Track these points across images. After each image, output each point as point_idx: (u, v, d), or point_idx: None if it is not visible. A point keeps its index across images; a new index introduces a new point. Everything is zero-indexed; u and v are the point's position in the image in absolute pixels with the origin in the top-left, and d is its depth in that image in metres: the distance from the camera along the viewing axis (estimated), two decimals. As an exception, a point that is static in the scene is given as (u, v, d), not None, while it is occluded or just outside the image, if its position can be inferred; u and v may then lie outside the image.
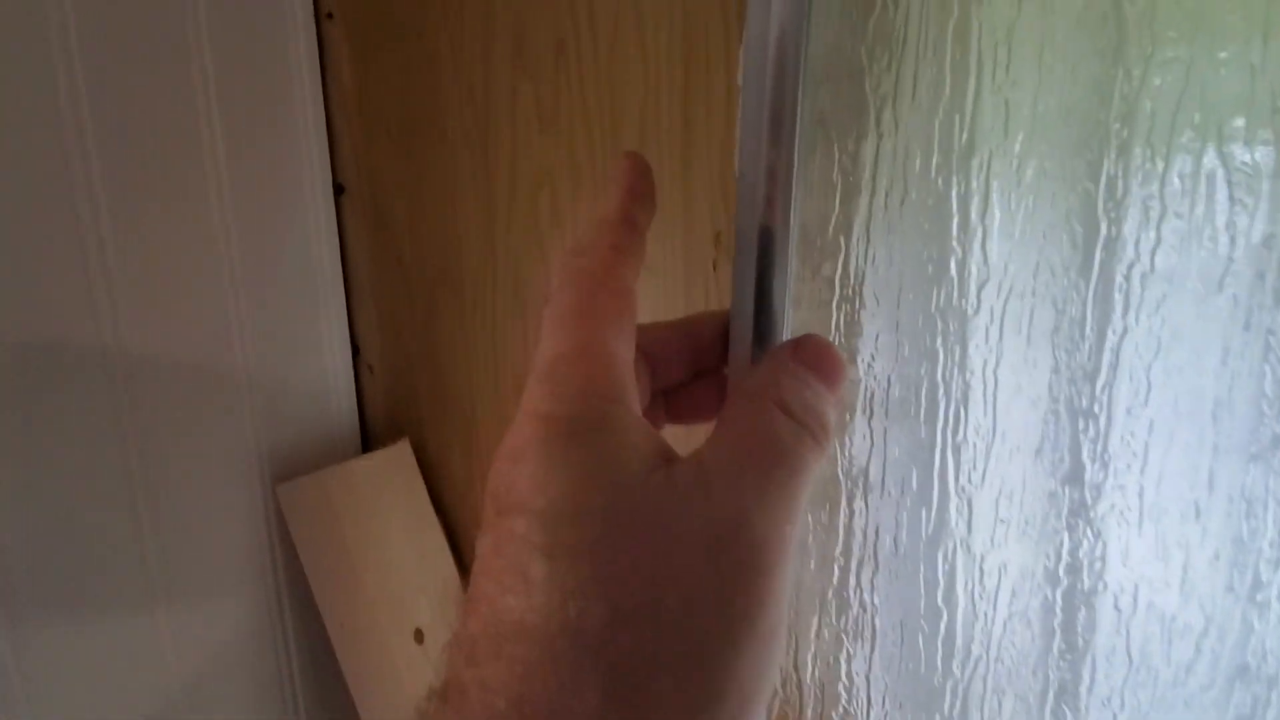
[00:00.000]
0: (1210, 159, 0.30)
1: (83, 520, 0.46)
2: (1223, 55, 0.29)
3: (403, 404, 0.61)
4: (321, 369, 0.59)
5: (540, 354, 0.20)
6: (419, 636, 0.54)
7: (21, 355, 0.42)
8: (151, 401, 0.48)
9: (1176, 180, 0.30)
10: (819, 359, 0.21)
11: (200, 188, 0.50)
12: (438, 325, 0.59)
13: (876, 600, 0.35)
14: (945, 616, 0.34)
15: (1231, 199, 0.30)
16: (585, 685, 0.16)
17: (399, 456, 0.58)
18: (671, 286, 0.49)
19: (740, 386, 0.22)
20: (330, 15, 0.56)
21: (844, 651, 0.37)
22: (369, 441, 0.62)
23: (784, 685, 0.41)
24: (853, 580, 0.36)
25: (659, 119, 0.46)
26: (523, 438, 0.19)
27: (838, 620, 0.37)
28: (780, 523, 0.18)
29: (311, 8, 0.56)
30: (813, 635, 0.38)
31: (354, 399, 0.61)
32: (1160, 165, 0.30)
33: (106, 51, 0.45)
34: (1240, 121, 0.29)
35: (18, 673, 0.43)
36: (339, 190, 0.59)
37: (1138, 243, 0.30)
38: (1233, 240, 0.29)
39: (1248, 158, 0.30)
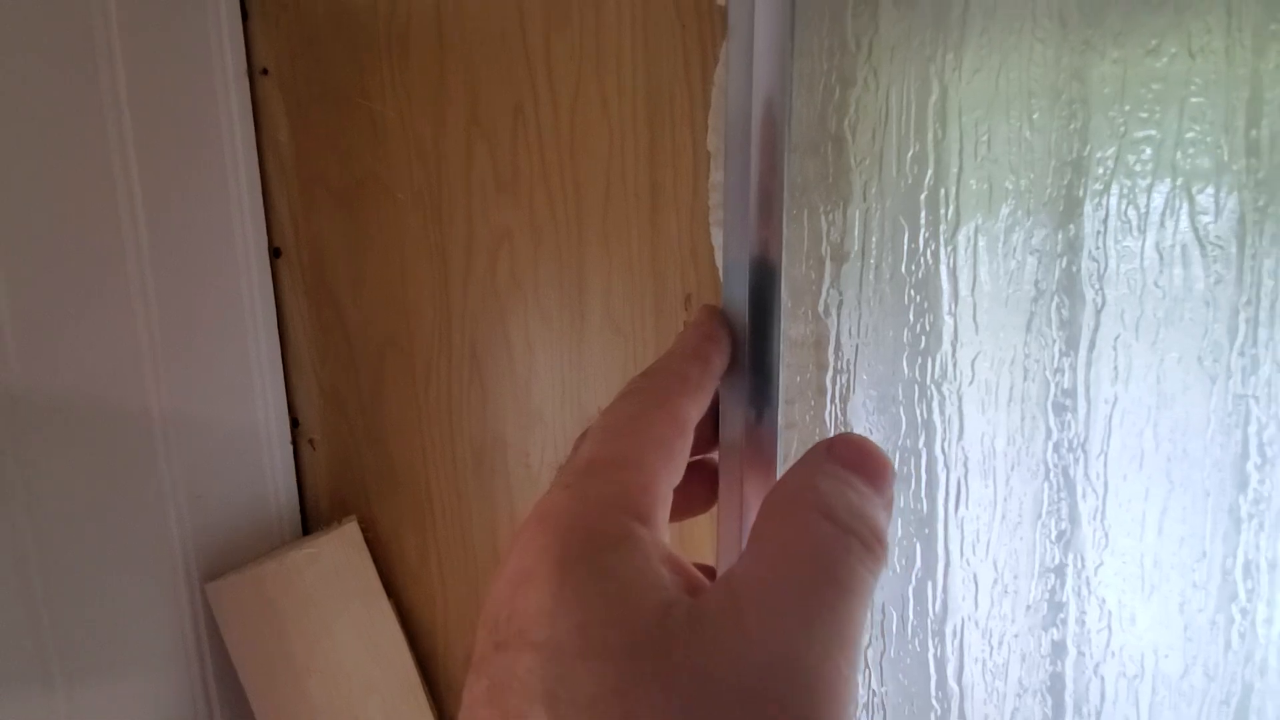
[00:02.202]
0: (1184, 230, 0.31)
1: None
2: (1190, 135, 0.30)
3: (348, 481, 0.57)
4: (256, 445, 0.54)
5: (574, 458, 0.18)
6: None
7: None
8: (54, 483, 0.43)
9: (1154, 252, 0.31)
10: (861, 457, 0.19)
11: (117, 250, 0.46)
12: (386, 395, 0.55)
13: (884, 685, 0.34)
14: (957, 696, 0.33)
15: (1205, 268, 0.31)
16: None
17: (345, 538, 0.54)
18: (640, 349, 0.48)
19: (773, 495, 0.20)
20: (265, 71, 0.53)
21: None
22: (311, 522, 0.57)
23: None
24: (861, 665, 0.35)
25: (625, 181, 0.46)
26: (532, 556, 0.16)
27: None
28: (834, 655, 0.15)
29: (245, 63, 0.52)
30: None
31: (293, 477, 0.56)
32: (1139, 239, 0.31)
33: (9, 106, 0.40)
34: (1209, 191, 0.31)
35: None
36: (275, 254, 0.55)
37: (1121, 313, 0.31)
38: (1210, 308, 0.30)
39: (1219, 230, 0.31)
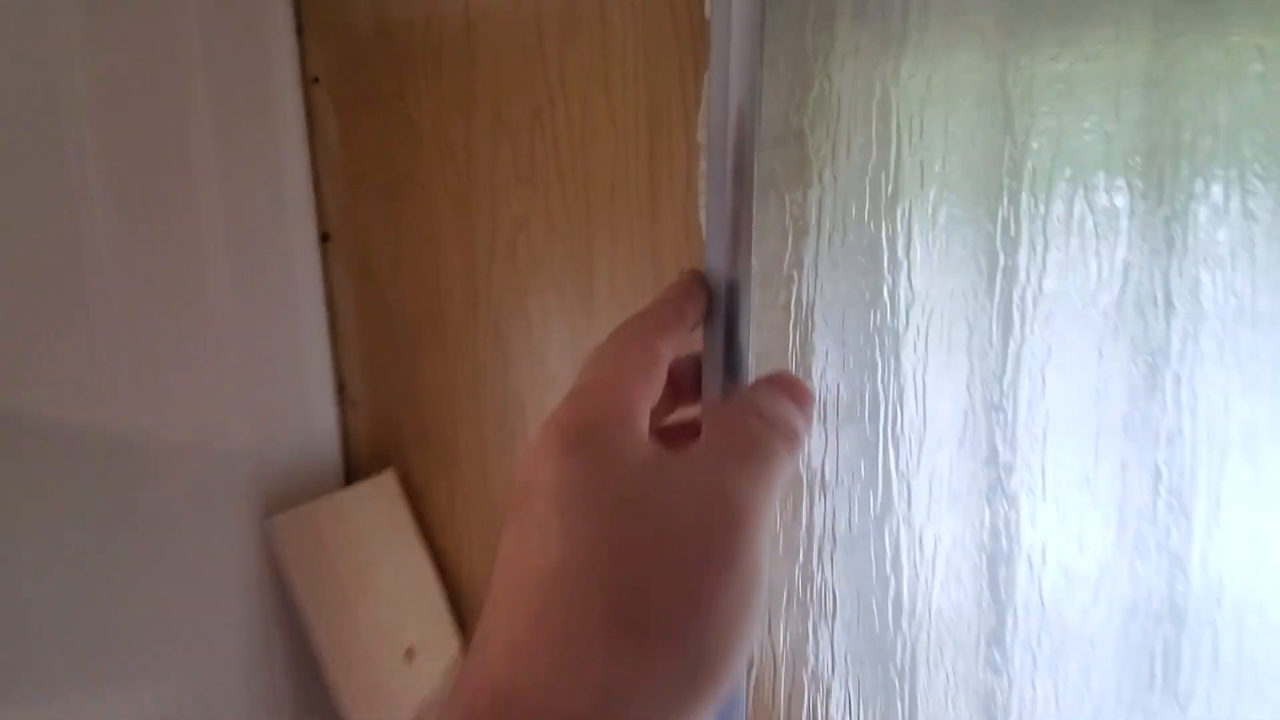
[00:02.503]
0: (1080, 205, 0.39)
1: (78, 560, 0.47)
2: (1085, 125, 0.37)
3: (386, 437, 0.65)
4: (307, 405, 0.62)
5: (574, 383, 0.25)
6: (409, 655, 0.56)
7: (13, 392, 0.44)
8: (140, 444, 0.50)
9: (1056, 221, 0.38)
10: (790, 385, 0.26)
11: (197, 238, 0.54)
12: (420, 362, 0.63)
13: (836, 574, 0.41)
14: (893, 583, 0.40)
15: (1096, 234, 0.39)
16: (592, 608, 0.19)
17: (385, 486, 0.62)
18: (641, 320, 0.56)
19: (725, 402, 0.27)
20: (317, 79, 0.61)
21: (810, 620, 0.43)
22: (353, 474, 0.65)
23: (760, 654, 0.46)
24: (815, 558, 0.42)
25: (628, 177, 0.53)
26: (544, 446, 0.22)
27: (804, 594, 0.43)
28: (756, 493, 0.21)
29: (299, 73, 0.60)
30: (783, 609, 0.44)
31: (338, 433, 0.64)
32: (1042, 209, 0.38)
33: (115, 114, 0.49)
34: (1100, 174, 0.38)
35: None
36: (324, 239, 0.63)
37: (1028, 270, 0.38)
38: (1099, 266, 0.38)
39: (1107, 202, 0.39)
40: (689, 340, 0.30)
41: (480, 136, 0.57)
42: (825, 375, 0.42)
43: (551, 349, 0.58)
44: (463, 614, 0.63)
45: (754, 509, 0.21)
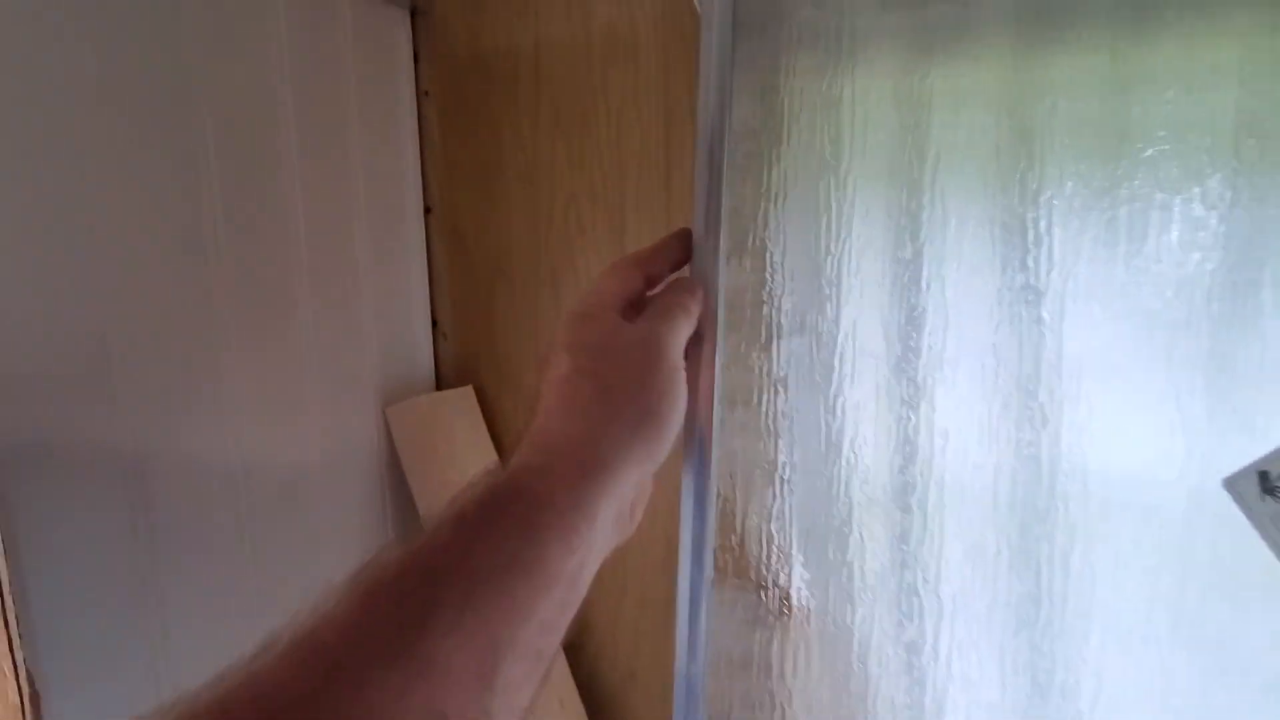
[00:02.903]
0: (973, 180, 0.55)
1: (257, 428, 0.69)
2: (961, 122, 0.54)
3: (467, 361, 0.85)
4: (412, 333, 0.83)
5: (585, 290, 0.43)
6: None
7: (193, 319, 0.65)
8: (311, 350, 0.72)
9: (943, 190, 0.55)
10: (688, 285, 0.43)
11: (348, 205, 0.75)
12: (494, 306, 0.83)
13: (794, 459, 0.59)
14: (838, 463, 0.58)
15: (968, 201, 0.55)
16: (584, 389, 0.35)
17: (465, 397, 0.82)
18: (658, 271, 0.74)
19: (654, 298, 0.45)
20: (427, 93, 0.82)
21: (771, 494, 0.60)
22: (442, 386, 0.86)
23: (728, 534, 0.63)
24: (778, 456, 0.60)
25: (650, 164, 0.72)
26: (560, 325, 0.40)
27: (767, 477, 0.60)
28: (668, 334, 0.38)
29: (414, 88, 0.82)
30: (752, 493, 0.61)
31: (432, 356, 0.85)
32: (929, 185, 0.55)
33: (307, 118, 0.70)
34: (971, 161, 0.54)
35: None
36: (427, 210, 0.84)
37: (912, 222, 0.55)
38: (978, 226, 0.54)
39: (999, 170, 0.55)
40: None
41: (543, 134, 0.77)
42: (784, 303, 0.59)
43: (592, 294, 0.77)
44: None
45: (667, 340, 0.38)
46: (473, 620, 0.28)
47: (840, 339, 0.59)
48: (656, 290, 0.43)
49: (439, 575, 0.29)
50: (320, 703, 0.24)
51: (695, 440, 0.48)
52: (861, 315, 0.59)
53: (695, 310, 0.43)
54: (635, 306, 0.41)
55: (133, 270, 0.56)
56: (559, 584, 0.31)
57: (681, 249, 0.48)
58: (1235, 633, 0.53)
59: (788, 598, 0.63)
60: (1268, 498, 0.44)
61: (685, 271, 0.47)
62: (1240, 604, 0.51)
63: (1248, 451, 0.48)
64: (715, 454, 0.50)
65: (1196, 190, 0.50)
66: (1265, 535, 0.45)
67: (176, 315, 0.60)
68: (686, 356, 0.43)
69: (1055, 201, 0.54)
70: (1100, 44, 0.52)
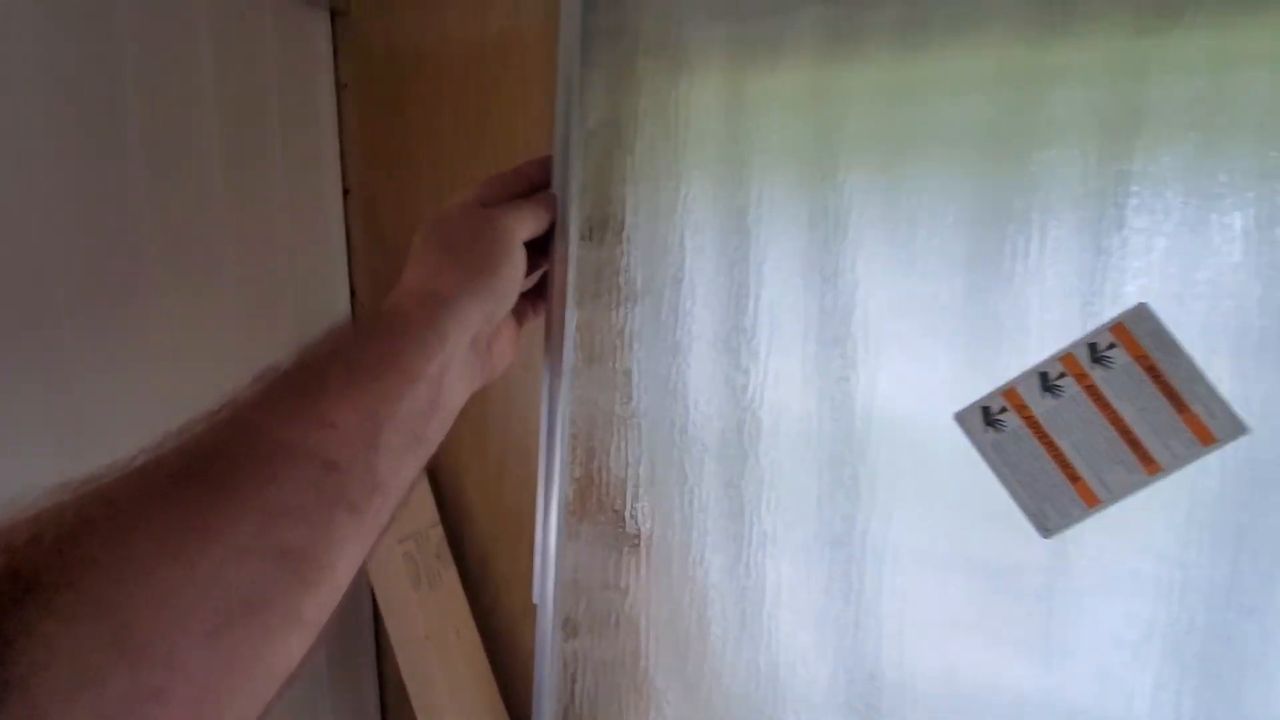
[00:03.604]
0: (773, 181, 0.65)
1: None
2: (780, 126, 0.64)
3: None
4: (331, 303, 0.92)
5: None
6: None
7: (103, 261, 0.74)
8: (232, 311, 0.81)
9: (772, 184, 0.65)
10: (550, 201, 0.56)
11: (269, 188, 0.84)
12: (407, 278, 0.92)
13: (642, 407, 0.69)
14: (677, 410, 0.68)
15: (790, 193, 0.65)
16: (431, 250, 0.46)
17: (379, 360, 0.91)
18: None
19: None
20: (345, 86, 0.91)
21: (623, 438, 0.70)
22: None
23: (590, 472, 0.73)
24: (629, 405, 0.70)
25: (534, 149, 0.81)
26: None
27: (621, 423, 0.70)
28: (513, 220, 0.49)
29: (333, 81, 0.91)
30: (610, 438, 0.71)
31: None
32: (758, 178, 0.65)
33: (231, 109, 0.79)
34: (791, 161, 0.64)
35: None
36: (346, 193, 0.93)
37: (743, 210, 0.65)
38: (799, 210, 0.64)
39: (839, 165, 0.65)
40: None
41: (447, 125, 0.86)
42: (633, 273, 0.69)
43: (491, 269, 0.87)
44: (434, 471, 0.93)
45: (507, 222, 0.49)
46: (355, 394, 0.37)
47: (681, 304, 0.69)
48: None
49: (325, 364, 0.38)
50: (234, 449, 0.31)
51: (554, 343, 0.59)
52: (699, 285, 0.69)
53: (543, 214, 0.53)
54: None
55: (57, 244, 0.65)
56: (422, 380, 0.40)
57: (540, 172, 0.59)
58: (997, 553, 0.63)
59: (640, 530, 0.74)
60: (989, 429, 0.55)
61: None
62: (997, 528, 0.62)
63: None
64: (569, 362, 0.60)
65: (955, 191, 0.61)
66: (988, 460, 0.55)
67: (100, 284, 0.69)
68: (542, 264, 0.55)
69: (854, 192, 0.64)
70: (882, 59, 0.62)
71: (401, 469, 0.38)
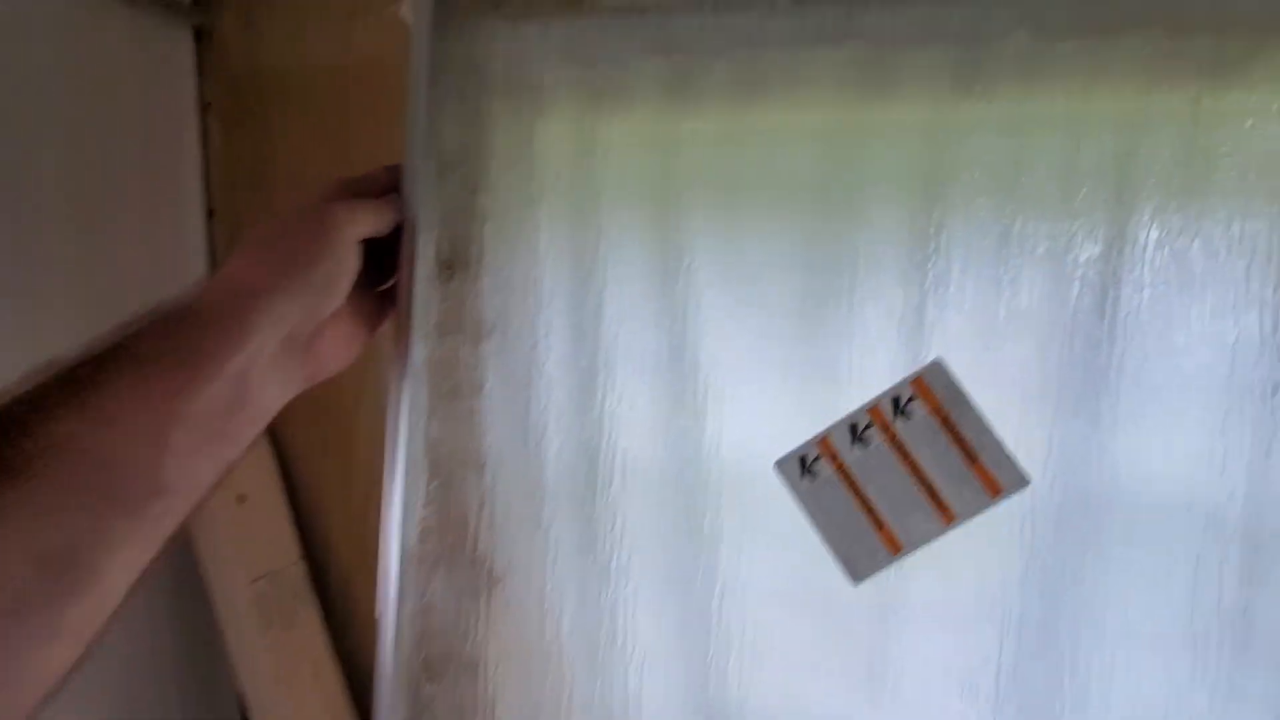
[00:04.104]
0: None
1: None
2: (621, 168, 0.64)
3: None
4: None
5: None
6: (241, 500, 0.83)
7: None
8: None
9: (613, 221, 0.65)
10: (389, 198, 0.54)
11: (119, 209, 0.81)
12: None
13: (498, 447, 0.69)
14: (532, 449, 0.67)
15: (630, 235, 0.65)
16: (250, 245, 0.42)
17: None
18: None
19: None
20: (209, 105, 0.89)
21: (479, 478, 0.70)
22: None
23: (434, 506, 0.72)
24: (484, 444, 0.69)
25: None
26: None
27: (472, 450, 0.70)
28: (344, 213, 0.46)
29: (196, 101, 0.88)
30: (467, 477, 0.70)
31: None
32: (599, 217, 0.65)
33: (81, 131, 0.76)
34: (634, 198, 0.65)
35: None
36: (210, 214, 0.91)
37: (602, 256, 0.65)
38: (635, 250, 0.65)
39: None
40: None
41: (310, 147, 0.84)
42: (488, 309, 0.69)
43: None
44: (286, 462, 0.90)
45: (337, 214, 0.46)
46: (142, 389, 0.34)
47: (533, 343, 0.69)
48: None
49: (109, 356, 0.35)
50: None
51: (399, 378, 0.58)
52: (551, 324, 0.69)
53: (386, 213, 0.52)
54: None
55: None
56: (220, 378, 0.37)
57: (389, 178, 0.57)
58: (834, 591, 0.65)
59: (492, 569, 0.73)
60: (805, 477, 0.56)
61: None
62: (833, 567, 0.63)
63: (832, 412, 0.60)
64: (418, 398, 0.59)
65: (787, 237, 0.62)
66: (805, 507, 0.56)
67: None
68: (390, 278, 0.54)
69: (695, 236, 0.65)
70: (721, 111, 0.64)
71: (194, 472, 0.36)
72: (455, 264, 0.71)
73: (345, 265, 0.45)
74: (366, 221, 0.48)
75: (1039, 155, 0.56)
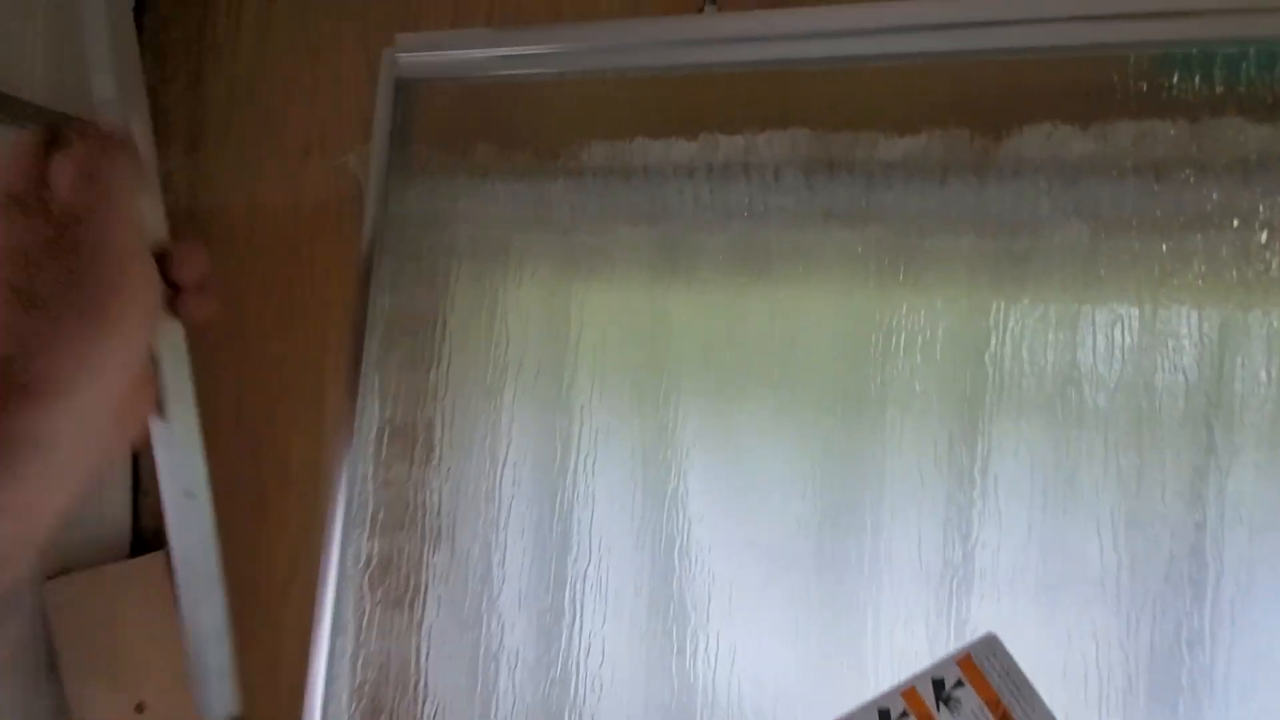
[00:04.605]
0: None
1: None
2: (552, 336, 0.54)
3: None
4: (107, 487, 0.77)
5: None
6: (140, 709, 0.69)
7: None
8: None
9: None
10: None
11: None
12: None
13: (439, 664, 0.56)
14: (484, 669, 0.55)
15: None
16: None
17: (154, 567, 0.76)
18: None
19: None
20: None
21: (418, 697, 0.57)
22: (138, 553, 0.79)
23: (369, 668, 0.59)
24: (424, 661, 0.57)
25: (347, 323, 0.71)
26: None
27: (413, 681, 0.57)
28: (108, 209, 0.29)
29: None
30: (402, 693, 0.58)
31: (130, 512, 0.79)
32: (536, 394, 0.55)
33: None
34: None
35: None
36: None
37: (578, 457, 0.54)
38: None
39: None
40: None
41: (252, 293, 0.75)
42: (440, 507, 0.58)
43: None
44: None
45: (104, 215, 0.30)
46: None
47: (490, 567, 0.57)
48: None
49: None
50: None
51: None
52: (511, 542, 0.58)
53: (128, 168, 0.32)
54: None
55: None
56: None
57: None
58: None
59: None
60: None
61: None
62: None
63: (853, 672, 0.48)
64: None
65: (795, 437, 0.52)
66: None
67: None
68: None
69: (688, 430, 0.55)
70: (715, 290, 0.54)
71: None
72: (399, 448, 0.61)
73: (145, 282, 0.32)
74: (128, 209, 0.32)
75: (1106, 368, 0.47)
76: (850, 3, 0.46)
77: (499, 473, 0.55)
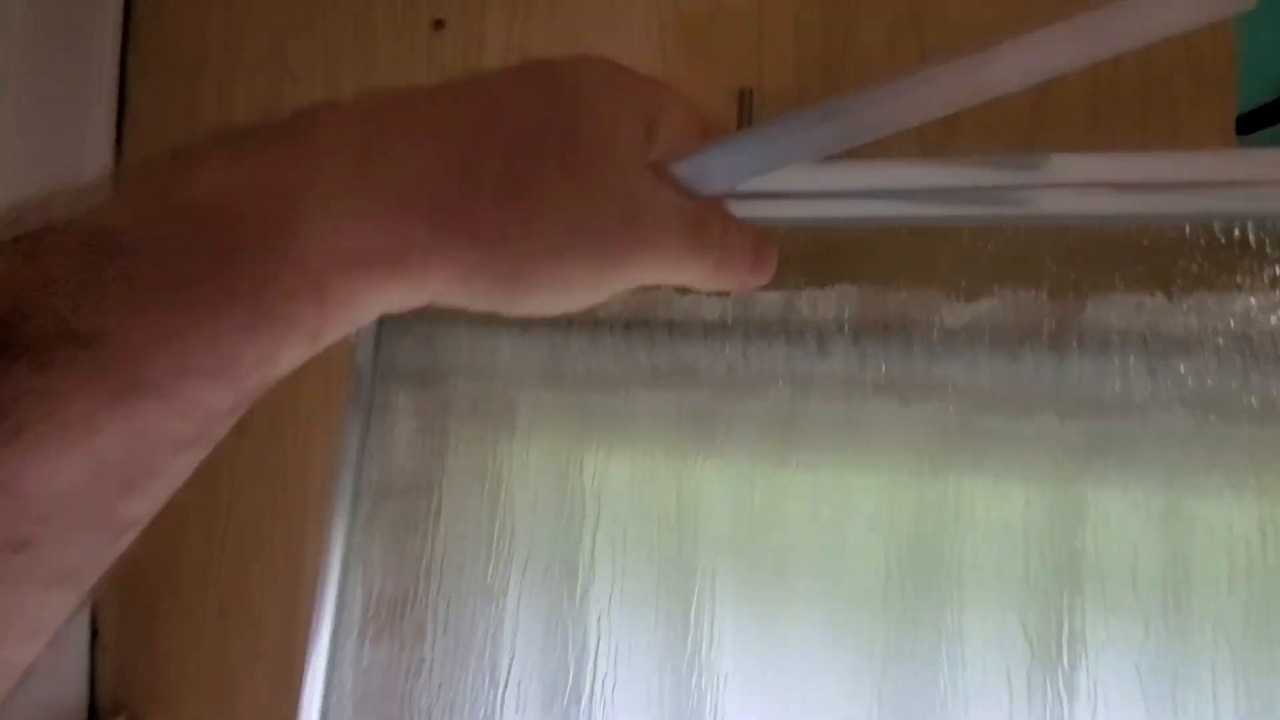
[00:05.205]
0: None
1: None
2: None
3: (132, 680, 0.71)
4: (64, 647, 0.69)
5: None
6: None
7: None
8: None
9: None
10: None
11: None
12: (160, 617, 0.70)
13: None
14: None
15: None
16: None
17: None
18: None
19: None
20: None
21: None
22: (96, 717, 0.71)
23: None
24: None
25: (330, 474, 0.64)
26: None
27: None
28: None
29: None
30: None
31: (87, 675, 0.70)
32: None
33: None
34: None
35: None
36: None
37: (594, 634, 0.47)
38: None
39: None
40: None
41: (226, 438, 0.68)
42: (430, 684, 0.50)
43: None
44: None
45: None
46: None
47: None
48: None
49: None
50: None
51: None
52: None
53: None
54: None
55: None
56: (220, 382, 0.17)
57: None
58: None
59: None
60: None
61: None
62: None
63: None
64: None
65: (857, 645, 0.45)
66: None
67: None
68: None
69: (717, 615, 0.48)
70: (747, 461, 0.48)
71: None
72: (387, 624, 0.53)
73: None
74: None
75: (1209, 563, 0.40)
76: (907, 160, 0.39)
77: (499, 695, 0.48)
